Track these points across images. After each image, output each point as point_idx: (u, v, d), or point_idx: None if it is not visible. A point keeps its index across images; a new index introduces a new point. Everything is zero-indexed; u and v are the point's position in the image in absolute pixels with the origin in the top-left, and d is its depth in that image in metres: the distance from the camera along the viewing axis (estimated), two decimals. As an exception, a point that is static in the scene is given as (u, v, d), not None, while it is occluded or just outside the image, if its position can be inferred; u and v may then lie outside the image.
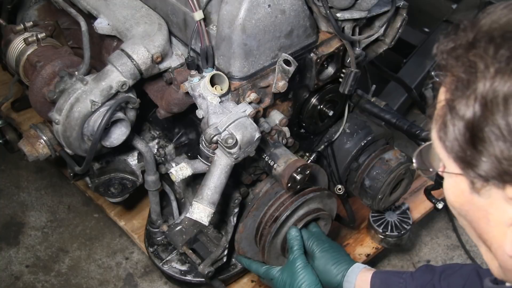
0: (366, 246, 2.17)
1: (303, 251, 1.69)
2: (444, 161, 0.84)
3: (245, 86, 1.54)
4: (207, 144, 1.47)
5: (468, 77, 0.77)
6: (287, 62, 1.51)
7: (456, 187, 0.84)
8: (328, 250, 1.67)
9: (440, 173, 0.89)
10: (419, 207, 2.30)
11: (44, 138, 1.84)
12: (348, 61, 1.70)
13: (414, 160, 0.94)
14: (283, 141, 1.69)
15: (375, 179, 1.92)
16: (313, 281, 1.60)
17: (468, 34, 0.80)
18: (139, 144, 1.80)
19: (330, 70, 1.72)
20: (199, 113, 1.51)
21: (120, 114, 1.64)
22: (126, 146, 1.80)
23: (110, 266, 2.39)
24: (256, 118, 1.54)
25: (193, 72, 1.52)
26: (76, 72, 1.64)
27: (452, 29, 0.84)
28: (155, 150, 1.91)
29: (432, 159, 0.90)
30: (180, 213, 1.98)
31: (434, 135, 0.85)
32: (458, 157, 0.80)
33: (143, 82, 1.69)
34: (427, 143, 0.90)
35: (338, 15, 1.56)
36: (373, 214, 2.14)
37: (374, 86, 2.00)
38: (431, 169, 0.91)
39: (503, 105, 0.73)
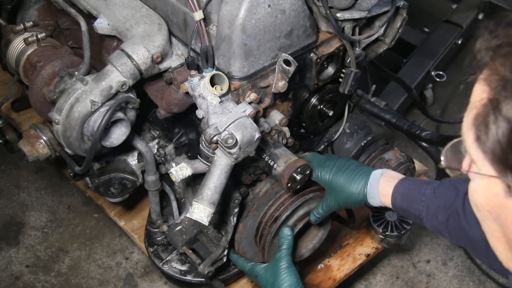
0: (366, 246, 2.17)
1: (290, 252, 1.67)
2: (478, 162, 0.80)
3: (245, 86, 1.54)
4: (207, 144, 1.47)
5: None
6: (287, 62, 1.51)
7: (488, 190, 0.81)
8: (338, 173, 1.60)
9: (465, 172, 0.85)
10: (419, 207, 2.29)
11: (44, 138, 1.84)
12: (348, 61, 1.70)
13: (442, 159, 0.89)
14: (283, 141, 1.69)
15: (375, 179, 1.92)
16: (294, 283, 1.59)
17: None
18: (139, 144, 1.80)
19: (330, 70, 1.72)
20: (199, 113, 1.51)
21: (120, 114, 1.64)
22: (126, 146, 1.80)
23: (110, 266, 2.39)
24: (256, 118, 1.54)
25: (193, 72, 1.52)
26: (76, 72, 1.64)
27: (495, 24, 0.80)
28: (155, 150, 1.91)
29: (461, 157, 0.85)
30: (180, 213, 1.98)
31: (470, 134, 0.80)
32: (498, 160, 0.77)
33: (143, 82, 1.69)
34: (456, 140, 0.86)
35: (338, 15, 1.56)
36: (373, 214, 2.14)
37: (374, 86, 2.00)
38: (461, 169, 0.87)
39: None
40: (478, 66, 0.80)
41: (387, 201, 1.53)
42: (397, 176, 1.55)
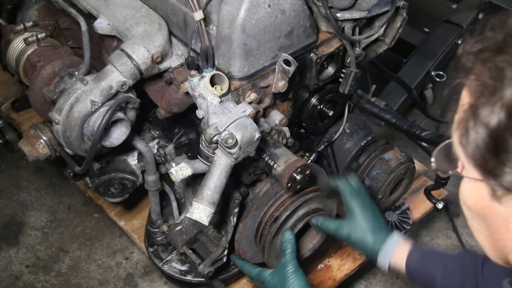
0: (366, 246, 2.17)
1: (295, 255, 1.67)
2: (465, 165, 0.81)
3: (245, 86, 1.54)
4: (207, 144, 1.47)
5: (495, 83, 0.74)
6: (287, 62, 1.51)
7: (475, 192, 0.82)
8: (368, 214, 1.56)
9: (454, 174, 0.86)
10: (419, 207, 2.29)
11: (44, 138, 1.84)
12: (348, 61, 1.70)
13: (432, 160, 0.89)
14: (283, 141, 1.69)
15: (375, 179, 1.92)
16: (303, 286, 1.58)
17: (497, 35, 0.77)
18: (139, 144, 1.80)
19: (330, 70, 1.72)
20: (199, 113, 1.51)
21: (120, 114, 1.64)
22: (126, 146, 1.80)
23: (110, 266, 2.39)
24: (256, 118, 1.54)
25: (193, 72, 1.52)
26: (76, 72, 1.64)
27: (479, 27, 0.80)
28: (155, 150, 1.91)
29: (452, 159, 0.86)
30: (180, 213, 1.98)
31: (455, 139, 0.81)
32: (478, 165, 0.77)
33: (143, 82, 1.69)
34: (446, 141, 0.86)
35: (338, 15, 1.56)
36: (373, 214, 2.14)
37: (374, 86, 2.00)
38: (450, 172, 0.87)
39: None
40: (462, 71, 0.80)
41: (399, 264, 1.47)
42: (410, 242, 1.51)
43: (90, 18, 1.71)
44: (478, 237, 0.90)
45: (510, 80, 0.72)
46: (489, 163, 0.75)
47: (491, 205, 0.80)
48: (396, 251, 1.49)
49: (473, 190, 0.83)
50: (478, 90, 0.76)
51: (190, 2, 1.46)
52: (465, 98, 0.79)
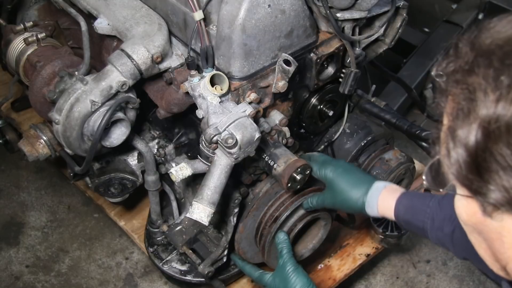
0: (366, 246, 2.17)
1: (292, 254, 1.68)
2: (454, 183, 0.81)
3: (245, 86, 1.54)
4: (207, 144, 1.47)
5: (469, 105, 0.74)
6: (287, 62, 1.51)
7: (468, 208, 0.83)
8: (342, 175, 1.59)
9: (444, 192, 0.86)
10: (419, 207, 2.29)
11: (44, 138, 1.84)
12: (348, 61, 1.70)
13: (424, 178, 0.90)
14: (283, 141, 1.69)
15: (375, 179, 1.92)
16: (305, 283, 1.59)
17: (468, 55, 0.77)
18: (139, 144, 1.80)
19: (330, 70, 1.72)
20: (199, 113, 1.51)
21: (120, 114, 1.64)
22: (126, 146, 1.80)
23: (110, 266, 2.39)
24: (256, 118, 1.54)
25: (193, 72, 1.52)
26: (76, 72, 1.64)
27: (453, 46, 0.81)
28: (155, 150, 1.91)
29: (441, 177, 0.86)
30: (180, 213, 1.98)
31: (441, 159, 0.82)
32: (463, 184, 0.78)
33: (143, 82, 1.69)
34: (432, 160, 0.87)
35: (338, 15, 1.56)
36: (373, 214, 2.14)
37: (374, 86, 2.00)
38: (441, 190, 0.88)
39: (506, 133, 0.71)
40: (439, 92, 0.81)
41: (387, 213, 1.52)
42: (399, 189, 1.55)
43: (90, 18, 1.71)
44: (479, 250, 0.91)
45: (483, 101, 0.73)
46: (474, 182, 0.76)
47: (484, 220, 0.80)
48: (380, 200, 1.53)
49: (465, 206, 0.83)
50: (454, 112, 0.77)
51: (190, 2, 1.46)
52: (444, 119, 0.80)
